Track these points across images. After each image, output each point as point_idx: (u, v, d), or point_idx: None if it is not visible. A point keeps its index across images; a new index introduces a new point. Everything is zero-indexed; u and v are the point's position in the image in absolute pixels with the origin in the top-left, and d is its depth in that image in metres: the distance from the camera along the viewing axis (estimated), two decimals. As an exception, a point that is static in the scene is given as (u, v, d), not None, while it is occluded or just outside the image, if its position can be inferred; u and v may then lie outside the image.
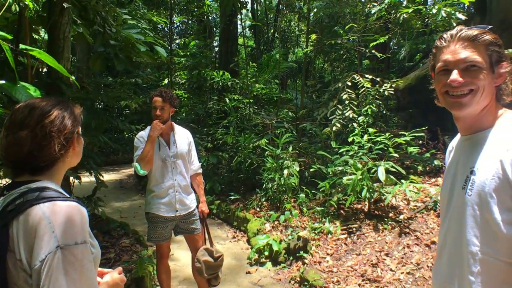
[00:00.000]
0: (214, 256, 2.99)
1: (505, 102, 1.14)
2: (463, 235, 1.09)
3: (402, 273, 3.46)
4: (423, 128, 4.88)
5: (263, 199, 5.52)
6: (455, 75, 1.07)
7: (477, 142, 1.11)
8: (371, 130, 4.72)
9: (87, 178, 5.36)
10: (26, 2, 2.25)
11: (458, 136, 1.31)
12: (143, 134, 2.93)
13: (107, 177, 9.83)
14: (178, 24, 13.41)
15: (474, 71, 1.06)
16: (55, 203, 0.97)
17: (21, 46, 1.74)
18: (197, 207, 3.12)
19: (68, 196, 1.06)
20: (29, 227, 0.93)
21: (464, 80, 1.06)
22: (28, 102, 1.09)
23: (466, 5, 6.02)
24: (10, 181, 1.09)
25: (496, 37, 1.08)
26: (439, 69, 1.13)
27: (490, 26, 1.10)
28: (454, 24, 5.10)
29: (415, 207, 4.54)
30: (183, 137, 3.05)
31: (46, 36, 5.34)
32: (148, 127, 2.96)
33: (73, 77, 2.24)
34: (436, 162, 5.47)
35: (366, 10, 5.95)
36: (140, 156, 2.76)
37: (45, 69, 4.00)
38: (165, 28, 9.99)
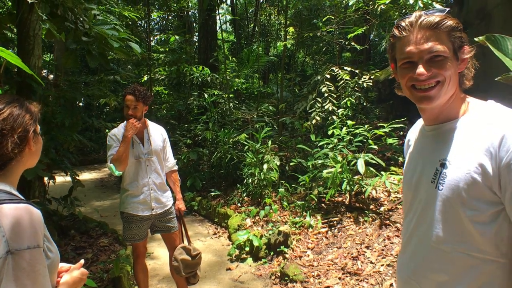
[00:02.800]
0: (191, 254, 2.93)
1: (466, 87, 1.09)
2: (431, 231, 1.04)
3: (382, 265, 3.46)
4: (403, 119, 4.89)
5: (244, 195, 5.47)
6: (421, 68, 1.00)
7: (445, 132, 1.06)
8: (349, 122, 4.71)
9: (63, 178, 5.20)
10: None
11: (416, 126, 1.26)
12: (116, 132, 2.84)
13: (88, 175, 9.65)
14: (157, 19, 13.16)
15: (440, 61, 1.00)
16: (8, 206, 0.91)
17: None
18: (173, 204, 3.06)
19: (22, 198, 1.00)
20: None
21: (430, 72, 1.00)
22: None
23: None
24: None
25: (457, 22, 1.02)
26: (401, 61, 1.06)
27: (448, 9, 1.04)
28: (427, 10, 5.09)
29: (395, 199, 4.57)
30: (157, 134, 2.98)
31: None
32: (121, 125, 2.89)
33: (33, 73, 2.11)
34: (415, 152, 5.50)
35: (344, 2, 5.91)
36: (114, 156, 2.67)
37: (14, 68, 3.86)
38: (145, 24, 9.78)
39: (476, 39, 1.62)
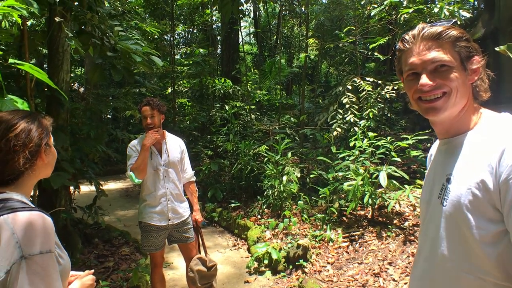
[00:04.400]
0: (207, 265, 2.94)
1: (483, 99, 1.04)
2: (436, 248, 0.99)
3: (405, 283, 3.30)
4: (429, 130, 4.71)
5: (264, 206, 5.42)
6: (424, 79, 0.97)
7: (455, 146, 1.01)
8: (371, 134, 4.59)
9: (88, 188, 5.37)
10: (14, 18, 2.27)
11: (438, 141, 1.22)
12: (135, 143, 2.93)
13: (113, 185, 9.91)
14: (183, 33, 13.53)
15: (444, 71, 0.96)
16: (20, 213, 0.96)
17: (10, 60, 1.75)
18: (190, 215, 3.08)
19: (33, 206, 1.03)
20: None
21: (435, 83, 0.96)
22: None
23: (472, 2, 5.87)
24: None
25: (462, 32, 0.98)
26: (406, 73, 1.03)
27: (453, 20, 1.01)
28: (458, 23, 4.95)
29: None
30: (175, 146, 3.03)
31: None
32: (140, 136, 2.97)
33: (57, 88, 2.22)
34: (442, 165, 5.29)
35: (366, 12, 5.86)
36: (134, 165, 2.75)
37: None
38: (169, 37, 10.10)
39: (497, 49, 1.56)
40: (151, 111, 2.83)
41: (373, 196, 4.24)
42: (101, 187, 4.89)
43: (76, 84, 13.54)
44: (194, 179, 3.19)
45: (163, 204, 2.88)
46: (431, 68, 0.97)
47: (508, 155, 0.83)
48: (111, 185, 9.71)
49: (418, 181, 5.26)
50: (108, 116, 13.22)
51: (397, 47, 1.07)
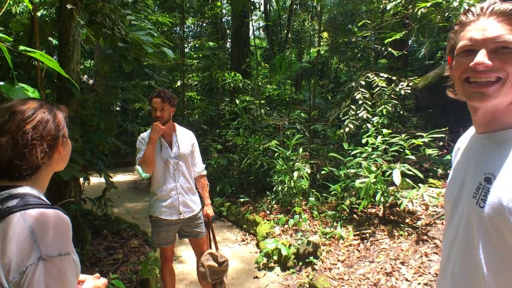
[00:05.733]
0: (218, 261, 2.89)
1: None
2: (472, 253, 0.91)
3: (419, 283, 3.23)
4: (444, 129, 4.60)
5: (273, 202, 5.37)
6: (481, 56, 0.85)
7: (498, 143, 0.91)
8: (385, 131, 4.50)
9: (97, 179, 5.37)
10: (25, 4, 2.23)
11: (469, 133, 1.12)
12: (145, 135, 2.86)
13: (122, 177, 9.94)
14: (192, 26, 13.45)
15: (506, 53, 0.84)
16: (39, 210, 0.90)
17: (21, 47, 1.69)
18: (201, 210, 3.03)
19: (49, 203, 0.98)
20: (9, 236, 0.86)
21: (492, 64, 0.85)
22: (9, 105, 1.01)
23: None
24: None
25: None
26: (460, 49, 0.91)
27: None
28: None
29: (434, 213, 4.29)
30: (185, 138, 2.96)
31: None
32: (150, 129, 2.89)
33: (70, 78, 2.18)
34: (456, 164, 5.17)
35: (382, 6, 5.72)
36: (141, 158, 2.69)
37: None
38: (178, 30, 10.04)
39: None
40: (161, 103, 2.75)
41: (385, 194, 4.16)
42: (110, 179, 4.88)
43: (85, 76, 13.56)
44: (205, 172, 3.11)
45: (174, 198, 2.82)
46: (492, 47, 0.86)
47: None
48: (119, 178, 9.73)
49: (431, 180, 5.16)
50: (117, 108, 13.24)
51: (458, 19, 0.95)
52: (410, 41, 8.68)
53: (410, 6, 5.24)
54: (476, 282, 0.90)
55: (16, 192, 0.95)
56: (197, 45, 10.40)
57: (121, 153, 11.27)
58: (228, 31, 11.73)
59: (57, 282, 0.87)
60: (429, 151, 4.27)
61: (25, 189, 0.97)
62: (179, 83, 8.49)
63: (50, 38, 4.74)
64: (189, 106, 8.90)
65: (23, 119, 0.98)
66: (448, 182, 1.12)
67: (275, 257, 4.07)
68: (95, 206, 4.71)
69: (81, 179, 4.53)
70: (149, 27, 3.51)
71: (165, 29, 8.22)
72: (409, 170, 4.07)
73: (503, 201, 0.82)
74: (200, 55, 8.42)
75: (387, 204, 4.43)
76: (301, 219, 4.56)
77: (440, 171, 5.36)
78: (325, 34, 5.19)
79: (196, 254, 3.03)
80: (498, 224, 0.83)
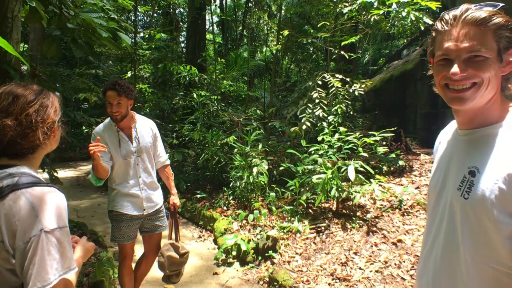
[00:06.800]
0: (179, 252, 2.81)
1: (510, 93, 1.02)
2: (456, 240, 0.99)
3: (371, 271, 3.46)
4: (389, 129, 4.95)
5: (231, 198, 5.37)
6: (455, 67, 0.94)
7: (480, 139, 1.00)
8: (342, 129, 4.72)
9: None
10: None
11: (449, 128, 1.21)
12: (98, 130, 2.67)
13: (63, 174, 9.24)
14: (142, 16, 12.87)
15: (479, 62, 0.92)
16: (38, 188, 1.02)
17: None
18: (167, 201, 2.93)
19: (45, 181, 1.08)
20: (12, 211, 0.97)
21: (466, 73, 0.93)
22: (10, 88, 1.10)
23: (435, 10, 6.22)
24: None
25: (508, 19, 0.93)
26: (438, 58, 0.99)
27: (501, 4, 0.96)
28: (422, 28, 5.23)
29: (381, 206, 4.61)
30: (146, 130, 2.80)
31: None
32: (106, 120, 2.72)
33: (19, 56, 1.96)
34: (400, 162, 5.60)
35: (338, 10, 5.97)
36: (92, 167, 2.48)
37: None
38: (129, 21, 9.55)
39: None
40: (117, 97, 2.52)
41: (339, 189, 4.37)
42: (55, 174, 4.52)
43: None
44: (168, 162, 3.01)
45: (137, 194, 2.69)
46: (466, 57, 0.93)
47: None
48: (60, 174, 9.02)
49: (377, 176, 5.52)
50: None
51: (435, 26, 1.02)
52: (357, 46, 9.18)
53: (364, 13, 5.54)
54: (455, 264, 0.99)
55: (15, 171, 1.05)
56: (148, 36, 9.98)
57: (61, 148, 10.51)
58: (181, 23, 11.43)
59: (56, 249, 1.01)
60: (380, 149, 4.56)
61: (23, 169, 1.07)
62: (129, 74, 8.10)
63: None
64: (140, 99, 8.53)
65: (26, 102, 1.09)
66: (431, 174, 1.21)
67: (234, 253, 4.07)
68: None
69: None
70: (108, 7, 3.25)
71: (116, 16, 7.77)
72: (362, 166, 4.32)
73: (486, 193, 0.90)
74: (153, 46, 8.08)
75: (340, 199, 4.65)
76: (260, 215, 4.61)
77: (385, 168, 5.76)
78: (285, 32, 5.28)
79: (145, 249, 2.91)
80: (480, 215, 0.92)
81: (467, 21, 0.94)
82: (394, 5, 5.00)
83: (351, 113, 6.77)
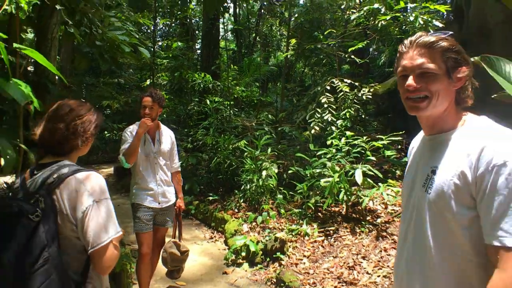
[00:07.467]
0: (180, 250, 3.20)
1: (467, 105, 1.18)
2: (424, 233, 1.13)
3: (378, 276, 3.49)
4: (401, 132, 4.97)
5: (241, 200, 5.51)
6: (410, 80, 1.12)
7: (440, 142, 1.16)
8: (348, 133, 4.79)
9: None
10: (22, 4, 2.29)
11: (420, 135, 1.37)
12: (131, 128, 3.08)
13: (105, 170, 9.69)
14: (161, 26, 13.32)
15: (429, 77, 1.10)
16: (84, 173, 1.36)
17: (15, 45, 1.87)
18: (174, 204, 3.28)
19: (85, 168, 1.41)
20: (70, 191, 1.31)
21: (418, 85, 1.11)
22: (69, 102, 1.47)
23: (444, 13, 6.22)
24: (35, 164, 1.45)
25: (452, 43, 1.11)
26: (399, 74, 1.18)
27: (450, 33, 1.14)
28: (431, 31, 5.25)
29: (392, 211, 4.62)
30: (167, 137, 3.25)
31: (31, 35, 5.29)
32: (137, 123, 3.09)
33: (59, 75, 2.30)
34: (412, 166, 5.56)
35: (346, 16, 6.06)
36: (126, 150, 2.91)
37: (29, 68, 3.99)
38: (149, 30, 9.95)
39: (472, 59, 1.72)
40: (151, 102, 3.01)
41: (348, 193, 4.43)
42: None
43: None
44: (179, 169, 3.43)
45: (154, 188, 3.07)
46: (418, 73, 1.12)
47: (485, 153, 0.99)
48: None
49: (390, 181, 5.53)
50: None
51: (399, 48, 1.20)
52: (371, 49, 9.19)
53: (372, 18, 5.61)
54: (424, 253, 1.13)
55: (63, 164, 1.39)
56: (166, 45, 10.36)
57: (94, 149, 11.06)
58: (197, 32, 11.74)
59: (107, 214, 1.35)
60: (387, 153, 4.60)
61: (67, 162, 1.41)
62: (148, 82, 8.41)
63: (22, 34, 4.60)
64: (157, 105, 8.81)
65: (77, 115, 1.44)
66: (404, 176, 1.36)
67: (243, 254, 4.20)
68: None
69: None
70: (131, 29, 3.61)
71: (137, 29, 8.15)
72: (370, 170, 4.37)
73: (444, 188, 1.06)
74: (170, 55, 8.42)
75: (350, 203, 4.70)
76: (269, 217, 4.73)
77: (398, 172, 5.75)
78: (293, 41, 5.41)
79: (154, 243, 3.21)
80: (440, 206, 1.07)
81: (419, 44, 1.13)
82: (409, 10, 5.06)
83: (363, 116, 6.81)
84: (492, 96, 2.18)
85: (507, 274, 0.92)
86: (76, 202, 1.30)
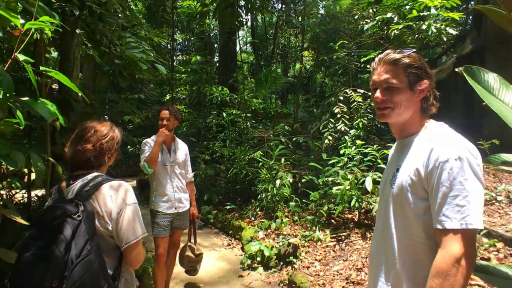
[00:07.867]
0: (195, 253, 3.59)
1: (432, 113, 1.37)
2: (389, 222, 1.33)
3: (385, 277, 3.59)
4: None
5: (258, 209, 5.71)
6: (377, 93, 1.32)
7: (405, 145, 1.36)
8: (358, 142, 4.92)
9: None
10: (46, 31, 2.55)
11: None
12: (149, 140, 3.39)
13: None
14: (180, 41, 13.83)
15: (392, 90, 1.29)
16: (116, 181, 1.59)
17: (41, 68, 2.04)
18: (190, 208, 3.59)
19: (114, 178, 1.65)
20: (105, 196, 1.52)
21: (385, 97, 1.30)
22: (92, 124, 1.68)
23: (464, 18, 6.20)
24: (68, 177, 1.64)
25: (414, 60, 1.30)
26: (371, 87, 1.39)
27: (413, 50, 1.32)
28: (445, 39, 5.34)
29: (403, 217, 4.68)
30: (181, 148, 3.56)
31: (55, 54, 5.73)
32: (153, 136, 3.40)
33: (82, 94, 2.53)
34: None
35: (359, 27, 6.21)
36: (148, 157, 3.22)
37: (54, 86, 4.34)
38: (168, 45, 10.40)
39: (456, 69, 1.86)
40: (168, 115, 3.34)
41: (359, 200, 4.54)
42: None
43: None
44: (193, 179, 3.70)
45: (171, 195, 3.35)
46: (384, 87, 1.31)
47: (434, 153, 1.19)
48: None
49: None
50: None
51: (372, 65, 1.41)
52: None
53: (385, 28, 5.73)
54: (387, 240, 1.34)
55: (95, 175, 1.60)
56: (185, 59, 10.78)
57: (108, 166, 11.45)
58: (215, 45, 12.14)
59: (137, 215, 1.57)
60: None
61: (97, 173, 1.62)
62: (168, 97, 8.81)
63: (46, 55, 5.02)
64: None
65: (102, 135, 1.65)
66: (383, 174, 1.57)
67: (259, 258, 4.39)
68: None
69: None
70: (146, 47, 3.88)
71: (154, 45, 8.57)
72: (380, 178, 4.46)
73: (403, 183, 1.27)
74: (189, 69, 8.78)
75: (362, 210, 4.81)
76: (282, 223, 4.90)
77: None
78: (306, 53, 5.62)
79: (170, 245, 3.49)
80: (400, 199, 1.28)
81: (385, 61, 1.34)
82: (429, 15, 5.13)
83: (378, 125, 6.88)
84: (483, 103, 2.30)
85: (446, 250, 1.11)
86: (111, 205, 1.51)
